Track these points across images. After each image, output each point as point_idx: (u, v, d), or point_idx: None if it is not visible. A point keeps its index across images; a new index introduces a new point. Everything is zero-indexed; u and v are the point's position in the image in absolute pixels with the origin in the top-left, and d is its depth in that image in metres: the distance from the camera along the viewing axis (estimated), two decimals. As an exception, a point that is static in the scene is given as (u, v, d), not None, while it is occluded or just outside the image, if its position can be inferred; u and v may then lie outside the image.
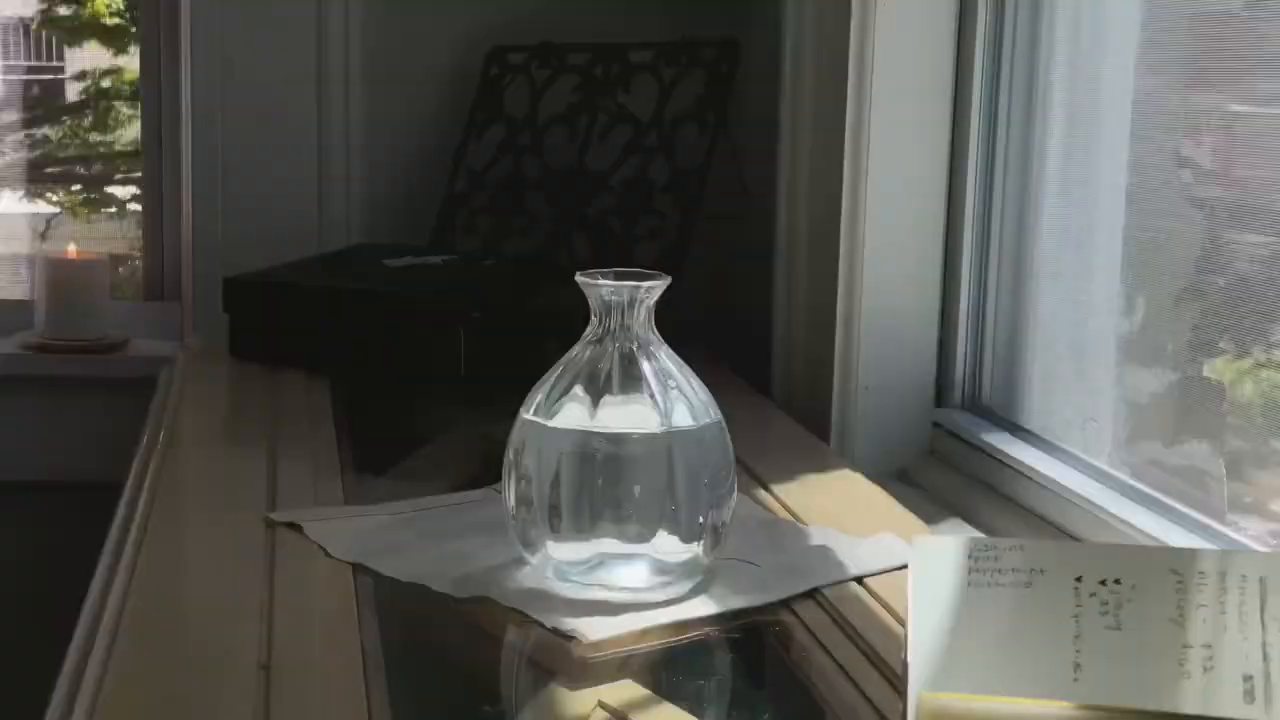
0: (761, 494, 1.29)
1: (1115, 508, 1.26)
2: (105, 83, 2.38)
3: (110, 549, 1.13)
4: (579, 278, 1.06)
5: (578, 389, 1.05)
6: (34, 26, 2.34)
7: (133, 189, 2.34)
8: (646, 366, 1.06)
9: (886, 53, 1.55)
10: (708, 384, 1.09)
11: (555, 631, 0.99)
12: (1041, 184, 1.48)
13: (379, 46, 2.05)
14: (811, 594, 1.07)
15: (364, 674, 0.91)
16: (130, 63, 2.31)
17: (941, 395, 1.60)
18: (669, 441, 1.04)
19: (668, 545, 1.04)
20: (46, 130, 2.37)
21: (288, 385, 1.66)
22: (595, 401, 1.05)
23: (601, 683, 0.92)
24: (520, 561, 1.07)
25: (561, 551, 1.05)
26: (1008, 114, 1.52)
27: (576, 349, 1.07)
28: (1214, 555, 0.82)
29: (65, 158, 2.39)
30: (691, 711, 0.88)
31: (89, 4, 2.33)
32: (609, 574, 1.04)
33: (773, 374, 1.76)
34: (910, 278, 1.59)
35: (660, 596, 1.04)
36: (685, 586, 1.05)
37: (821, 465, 1.41)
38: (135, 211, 2.37)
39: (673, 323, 1.13)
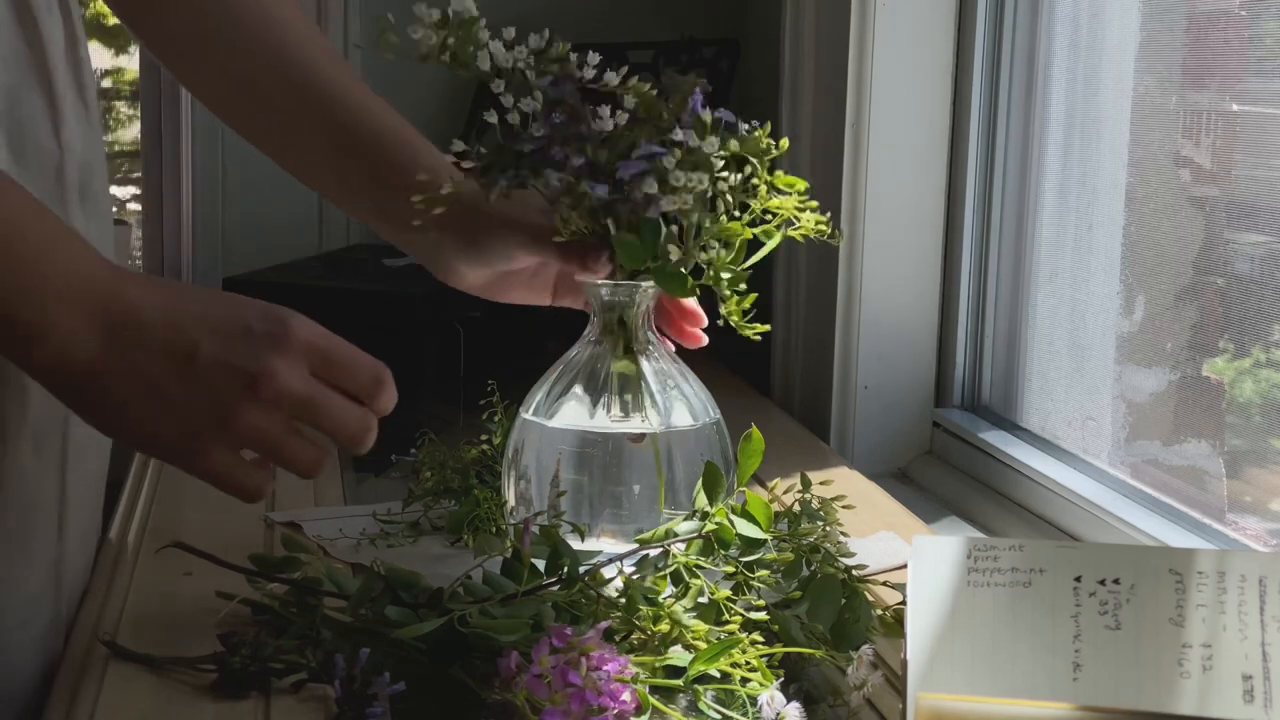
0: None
1: (1114, 507, 1.27)
2: (105, 83, 2.38)
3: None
4: (579, 278, 1.06)
5: (577, 388, 1.05)
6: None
7: (133, 189, 2.34)
8: (646, 366, 1.06)
9: (886, 53, 1.55)
10: (707, 384, 1.09)
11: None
12: (1041, 184, 1.48)
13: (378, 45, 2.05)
14: (811, 593, 1.06)
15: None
16: (130, 63, 2.31)
17: (941, 395, 1.60)
18: (668, 441, 1.04)
19: (667, 545, 1.04)
20: (46, 130, 2.36)
21: (287, 385, 1.66)
22: (594, 401, 1.05)
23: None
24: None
25: (561, 551, 1.04)
26: (1007, 114, 1.52)
27: (576, 349, 1.07)
28: (1213, 555, 0.81)
29: (65, 158, 2.39)
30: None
31: (89, 4, 2.33)
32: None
33: (773, 374, 1.76)
34: (910, 278, 1.59)
35: (659, 596, 1.04)
36: (684, 586, 1.05)
37: (821, 464, 1.41)
38: (135, 211, 2.37)
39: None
